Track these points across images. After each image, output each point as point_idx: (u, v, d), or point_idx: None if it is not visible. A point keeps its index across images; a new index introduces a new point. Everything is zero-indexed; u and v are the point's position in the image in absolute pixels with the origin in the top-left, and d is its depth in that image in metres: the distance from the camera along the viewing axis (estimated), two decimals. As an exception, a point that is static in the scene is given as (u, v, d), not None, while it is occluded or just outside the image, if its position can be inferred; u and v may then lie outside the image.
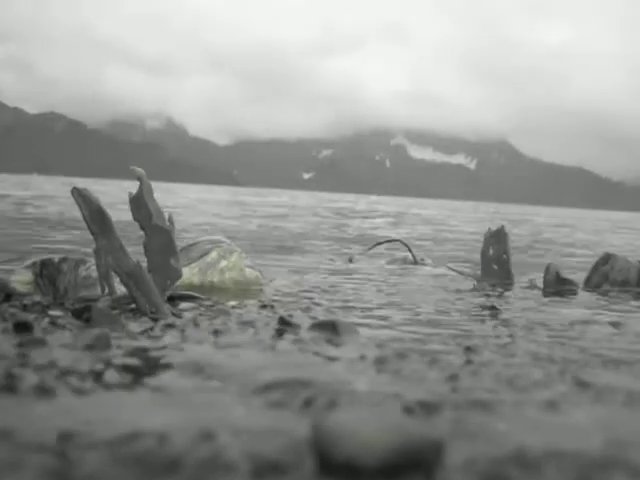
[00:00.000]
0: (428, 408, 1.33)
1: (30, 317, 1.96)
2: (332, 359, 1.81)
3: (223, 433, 1.08)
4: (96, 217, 2.55)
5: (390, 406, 1.25)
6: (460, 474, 0.94)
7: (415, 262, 6.64)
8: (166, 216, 2.82)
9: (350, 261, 6.71)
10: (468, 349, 2.11)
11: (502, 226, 4.85)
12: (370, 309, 3.39)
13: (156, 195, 2.72)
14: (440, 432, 1.08)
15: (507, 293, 4.45)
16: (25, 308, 2.37)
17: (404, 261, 6.70)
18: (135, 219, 2.74)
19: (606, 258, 5.33)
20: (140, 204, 2.71)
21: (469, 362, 1.90)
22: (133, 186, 2.73)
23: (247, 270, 4.05)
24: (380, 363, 1.79)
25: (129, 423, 1.09)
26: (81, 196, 2.52)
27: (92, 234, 2.58)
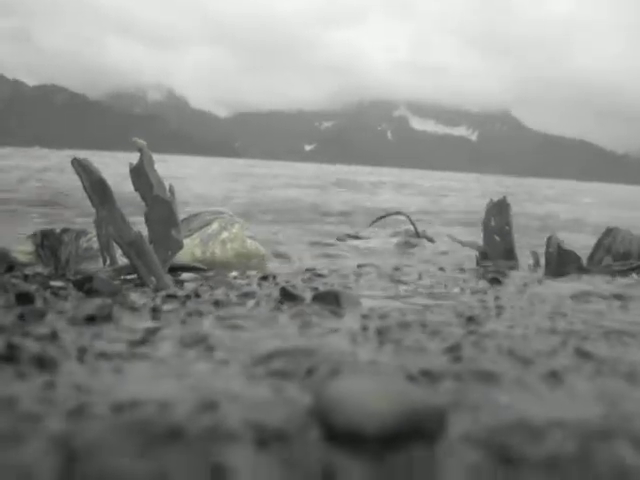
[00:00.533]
0: (431, 377, 1.33)
1: (32, 288, 1.96)
2: (334, 330, 1.81)
3: (225, 403, 1.08)
4: (97, 188, 2.54)
5: (393, 375, 1.25)
6: (462, 443, 0.94)
7: (417, 235, 6.64)
8: (167, 187, 2.82)
9: (348, 237, 6.69)
10: (470, 319, 2.11)
11: (504, 197, 4.83)
12: (372, 282, 3.39)
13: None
14: (443, 401, 1.08)
15: (509, 269, 4.45)
16: (27, 279, 2.37)
17: (407, 234, 6.71)
18: (136, 189, 2.74)
19: (607, 232, 5.32)
20: (141, 174, 2.70)
21: (471, 332, 1.90)
22: (135, 158, 2.72)
23: (249, 241, 4.05)
24: (382, 334, 1.79)
25: (129, 393, 1.09)
26: (81, 167, 2.51)
27: (93, 205, 2.58)
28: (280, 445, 0.82)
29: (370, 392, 0.85)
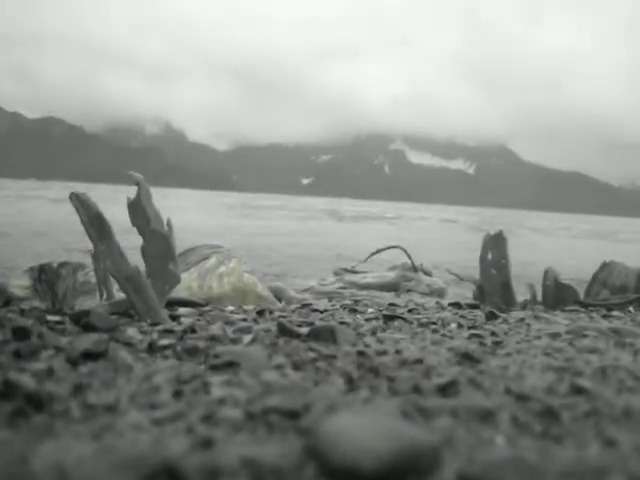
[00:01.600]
0: (426, 414, 1.33)
1: (28, 322, 1.96)
2: (330, 367, 1.81)
3: (221, 439, 1.08)
4: (95, 222, 2.55)
5: (388, 412, 1.25)
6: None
7: (415, 268, 6.65)
8: (165, 221, 2.83)
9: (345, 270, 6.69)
10: (466, 356, 2.11)
11: (500, 231, 4.86)
12: (368, 317, 3.39)
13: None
14: (438, 438, 1.08)
15: (506, 303, 4.46)
16: (23, 313, 2.37)
17: (404, 267, 6.71)
18: (133, 224, 2.75)
19: (603, 266, 5.34)
20: (138, 209, 2.71)
21: (467, 369, 1.90)
22: (132, 191, 2.74)
23: (246, 275, 4.06)
24: (378, 371, 1.79)
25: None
26: (79, 201, 2.53)
27: (91, 239, 2.59)
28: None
29: (366, 429, 0.86)
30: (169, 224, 2.84)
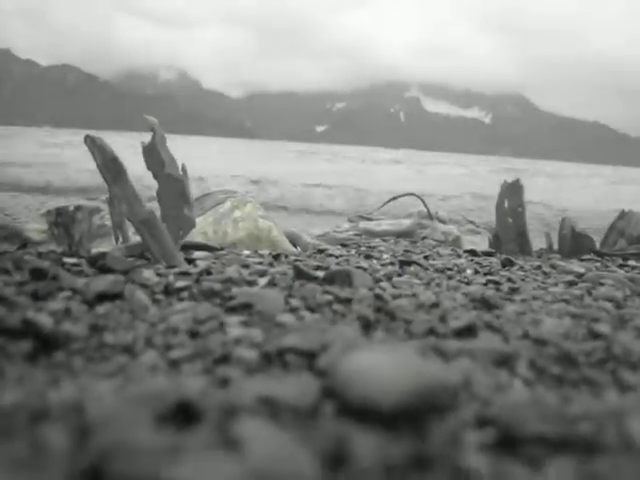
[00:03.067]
0: (445, 356, 1.33)
1: (45, 264, 1.96)
2: (346, 310, 1.81)
3: (237, 379, 1.09)
4: (110, 165, 2.53)
5: (406, 351, 1.24)
6: (473, 419, 0.94)
7: (430, 216, 6.61)
8: (180, 165, 2.81)
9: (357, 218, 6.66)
10: (483, 301, 2.10)
11: (517, 179, 4.79)
12: (383, 263, 3.39)
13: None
14: (457, 379, 1.07)
15: (522, 252, 4.43)
16: (40, 256, 2.38)
17: (420, 215, 6.68)
18: (148, 168, 2.73)
19: (622, 215, 5.29)
20: (153, 153, 2.69)
21: (484, 313, 1.89)
22: (147, 138, 2.72)
23: (260, 220, 4.05)
24: (394, 314, 1.78)
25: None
26: (94, 144, 2.51)
27: (106, 182, 2.58)
28: (293, 419, 0.83)
29: (384, 367, 0.85)
30: (184, 169, 2.83)
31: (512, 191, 4.78)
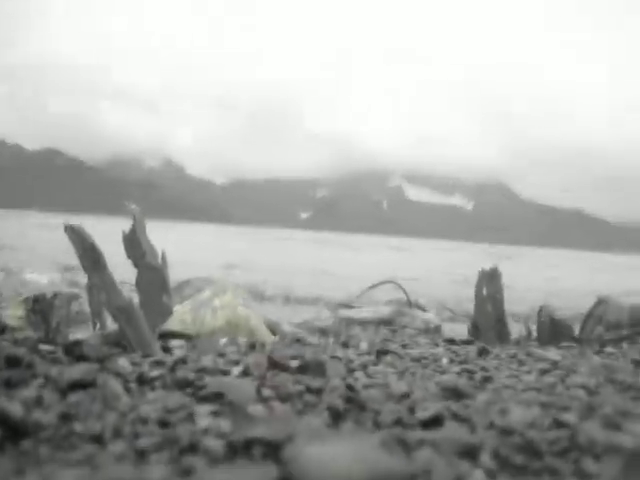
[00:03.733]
0: (407, 447, 1.35)
1: (20, 351, 1.98)
2: (317, 400, 1.83)
3: (201, 469, 1.10)
4: (89, 254, 2.58)
5: (367, 443, 1.27)
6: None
7: (410, 304, 6.65)
8: (159, 254, 2.86)
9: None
10: (454, 391, 2.12)
11: (495, 266, 4.87)
12: (360, 352, 3.41)
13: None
14: (416, 468, 1.10)
15: (500, 340, 4.46)
16: (16, 342, 2.39)
17: (399, 303, 6.71)
18: (128, 256, 2.78)
19: (599, 301, 5.36)
20: (133, 242, 2.75)
21: (453, 403, 1.92)
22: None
23: (240, 308, 4.07)
24: (363, 405, 1.80)
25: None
26: (74, 233, 2.56)
27: (85, 271, 2.61)
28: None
29: (340, 457, 0.88)
30: (163, 257, 2.88)
31: (490, 278, 4.86)
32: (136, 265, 2.80)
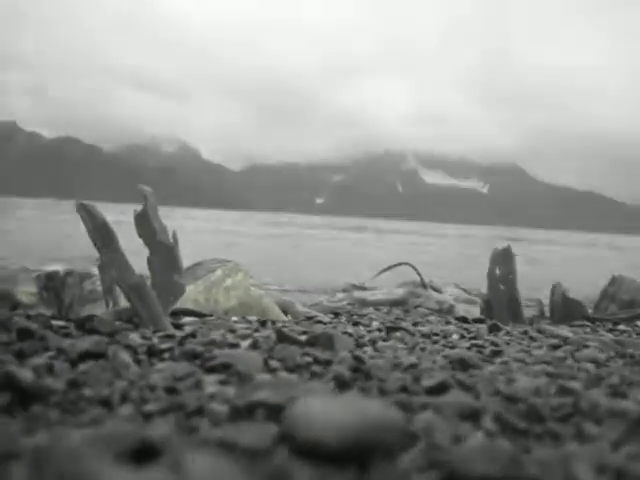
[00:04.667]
0: (410, 409, 1.37)
1: (33, 325, 2.02)
2: (324, 371, 1.85)
3: (204, 428, 1.13)
4: (101, 232, 2.61)
5: (363, 398, 1.29)
6: (421, 461, 0.98)
7: (424, 285, 6.65)
8: (170, 233, 2.89)
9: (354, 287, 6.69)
10: (462, 362, 2.14)
11: (508, 246, 4.86)
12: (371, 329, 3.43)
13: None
14: (405, 418, 1.11)
15: (512, 318, 4.46)
16: (29, 318, 2.43)
17: (413, 284, 6.72)
18: (139, 236, 2.81)
19: (612, 280, 5.35)
20: (144, 221, 2.77)
21: (460, 373, 1.93)
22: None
23: (252, 289, 4.10)
24: (370, 373, 1.82)
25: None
26: (86, 211, 2.59)
27: (97, 249, 2.65)
28: (248, 458, 0.87)
29: (334, 408, 0.90)
30: (174, 236, 2.90)
31: (503, 258, 4.85)
32: (147, 244, 2.83)
